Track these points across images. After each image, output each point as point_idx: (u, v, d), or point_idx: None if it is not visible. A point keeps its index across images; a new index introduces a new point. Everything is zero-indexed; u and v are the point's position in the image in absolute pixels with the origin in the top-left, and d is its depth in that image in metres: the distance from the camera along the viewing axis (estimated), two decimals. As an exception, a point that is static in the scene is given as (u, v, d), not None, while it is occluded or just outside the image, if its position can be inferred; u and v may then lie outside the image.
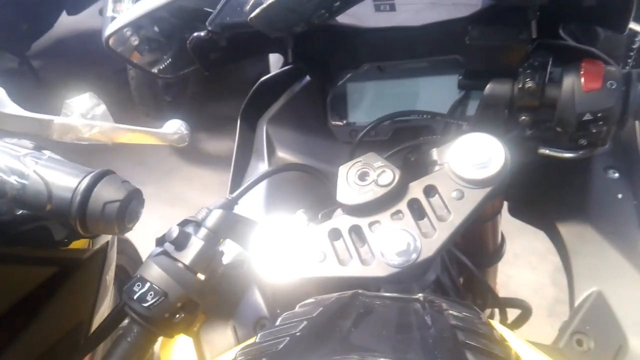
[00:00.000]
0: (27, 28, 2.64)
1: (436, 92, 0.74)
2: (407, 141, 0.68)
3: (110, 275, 0.84)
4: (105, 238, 0.80)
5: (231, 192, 0.81)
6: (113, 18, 2.17)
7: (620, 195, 0.66)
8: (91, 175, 0.53)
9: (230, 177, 0.82)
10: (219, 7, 0.59)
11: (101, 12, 2.28)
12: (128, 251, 1.28)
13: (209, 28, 0.61)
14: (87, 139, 0.62)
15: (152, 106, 2.45)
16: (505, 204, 0.79)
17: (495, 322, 0.46)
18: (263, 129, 0.82)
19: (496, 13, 0.66)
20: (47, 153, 0.57)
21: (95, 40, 0.75)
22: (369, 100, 0.78)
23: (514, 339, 0.43)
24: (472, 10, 0.72)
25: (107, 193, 0.53)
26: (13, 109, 0.65)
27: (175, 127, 0.77)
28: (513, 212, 0.76)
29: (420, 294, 0.46)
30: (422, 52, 0.76)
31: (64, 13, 2.93)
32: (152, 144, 0.77)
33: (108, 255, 0.81)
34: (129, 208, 0.54)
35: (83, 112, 0.62)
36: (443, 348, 0.35)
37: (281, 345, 0.36)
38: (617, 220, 0.64)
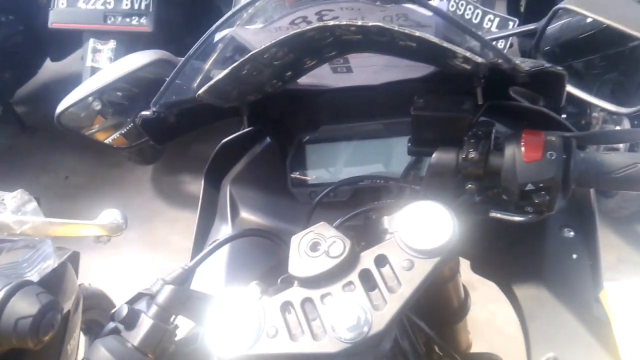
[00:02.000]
0: (10, 76, 2.66)
1: (392, 153, 0.75)
2: (363, 205, 0.69)
3: (74, 340, 0.83)
4: (67, 306, 0.79)
5: (193, 255, 0.81)
6: (93, 68, 2.20)
7: (575, 256, 0.66)
8: (4, 289, 0.53)
9: (193, 240, 0.82)
10: (162, 89, 0.60)
11: (82, 58, 2.32)
12: (102, 304, 1.27)
13: (153, 109, 0.62)
14: (19, 234, 0.63)
15: (134, 150, 2.46)
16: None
17: None
18: (226, 189, 0.83)
19: (446, 76, 0.68)
20: None
21: (78, 84, 0.76)
22: (328, 161, 0.79)
23: None
24: (424, 72, 0.74)
25: (20, 308, 0.53)
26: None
27: (111, 217, 0.78)
28: (474, 269, 0.76)
29: None
30: (378, 112, 0.77)
31: (48, 60, 2.96)
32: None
33: (69, 326, 0.80)
34: (42, 322, 0.54)
35: (14, 209, 0.62)
36: None
37: None
38: (571, 283, 0.65)
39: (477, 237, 0.63)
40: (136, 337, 0.54)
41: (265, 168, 0.81)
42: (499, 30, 1.85)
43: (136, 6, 1.99)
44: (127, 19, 1.97)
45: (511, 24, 1.92)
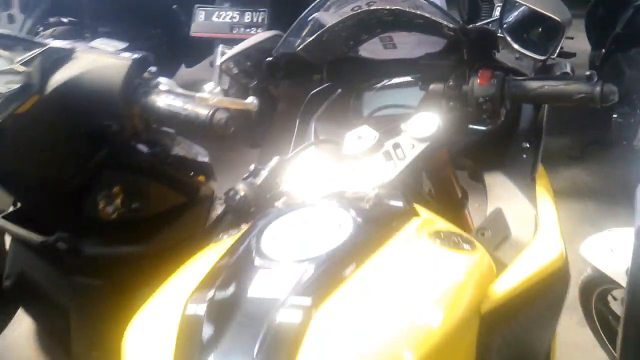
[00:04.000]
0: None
1: (413, 95, 1.17)
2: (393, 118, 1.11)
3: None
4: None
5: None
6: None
7: (525, 156, 1.04)
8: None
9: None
10: (279, 43, 1.07)
11: (211, 64, 2.93)
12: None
13: (274, 55, 1.09)
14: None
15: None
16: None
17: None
18: (312, 125, 1.28)
19: (449, 46, 1.09)
20: None
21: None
22: (377, 103, 1.22)
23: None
24: (441, 46, 1.15)
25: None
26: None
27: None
28: (470, 175, 1.15)
29: None
30: (409, 72, 1.19)
31: (183, 66, 3.66)
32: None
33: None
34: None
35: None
36: None
37: None
38: (520, 171, 1.03)
39: (465, 146, 1.04)
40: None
41: (338, 110, 1.25)
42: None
43: (255, 20, 2.57)
44: (248, 29, 2.54)
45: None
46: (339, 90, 1.25)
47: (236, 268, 0.67)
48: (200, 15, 2.63)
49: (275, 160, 1.04)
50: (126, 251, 1.00)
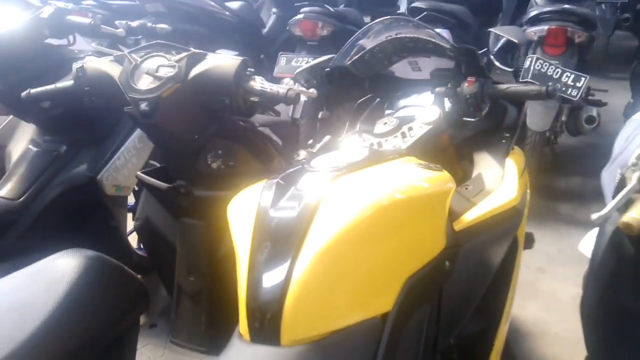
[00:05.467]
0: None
1: (426, 98, 1.62)
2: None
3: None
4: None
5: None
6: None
7: (504, 141, 1.47)
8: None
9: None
10: (334, 58, 1.57)
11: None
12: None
13: (329, 67, 1.59)
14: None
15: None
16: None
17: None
18: (358, 126, 1.76)
19: (457, 68, 1.56)
20: None
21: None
22: (401, 104, 1.68)
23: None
24: (446, 64, 1.61)
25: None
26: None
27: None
28: (458, 148, 1.58)
29: None
30: (426, 85, 1.65)
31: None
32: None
33: None
34: None
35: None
36: None
37: None
38: (498, 151, 1.45)
39: (464, 138, 1.49)
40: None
41: (376, 113, 1.72)
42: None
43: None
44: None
45: (582, 79, 2.64)
46: (378, 99, 1.73)
47: (294, 173, 1.14)
48: (282, 60, 3.24)
49: (327, 137, 1.53)
50: (221, 195, 1.47)
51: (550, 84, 1.33)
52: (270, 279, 0.93)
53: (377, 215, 0.98)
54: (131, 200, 2.31)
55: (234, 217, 1.08)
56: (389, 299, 0.99)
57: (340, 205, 0.98)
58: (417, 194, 1.06)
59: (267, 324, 0.91)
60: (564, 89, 2.68)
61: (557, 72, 2.65)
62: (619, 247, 1.49)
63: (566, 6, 2.77)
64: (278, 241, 0.96)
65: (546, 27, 2.70)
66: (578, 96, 2.65)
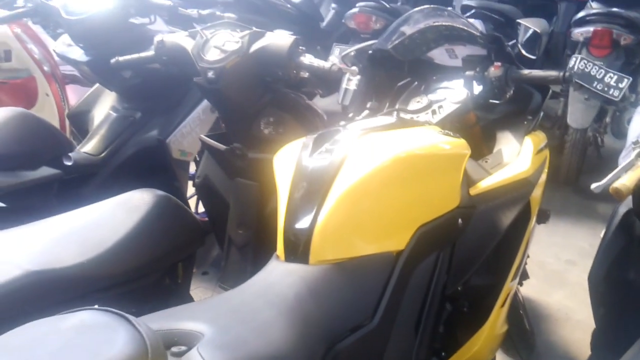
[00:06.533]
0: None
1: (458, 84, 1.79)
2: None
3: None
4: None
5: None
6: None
7: (525, 122, 1.63)
8: None
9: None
10: (377, 42, 1.76)
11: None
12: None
13: (372, 49, 1.78)
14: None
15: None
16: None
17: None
18: (395, 106, 1.95)
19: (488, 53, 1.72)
20: None
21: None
22: (435, 87, 1.85)
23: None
24: (477, 51, 1.78)
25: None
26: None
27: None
28: (484, 128, 1.74)
29: None
30: (459, 70, 1.82)
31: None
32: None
33: None
34: None
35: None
36: None
37: None
38: (520, 131, 1.61)
39: (493, 120, 1.66)
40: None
41: (413, 95, 1.91)
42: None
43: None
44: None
45: (625, 80, 2.72)
46: (415, 83, 1.91)
47: (330, 131, 1.34)
48: (336, 50, 3.46)
49: (366, 112, 1.73)
50: (270, 158, 1.69)
51: (567, 69, 1.48)
52: (304, 211, 1.15)
53: (396, 165, 1.18)
54: (192, 170, 2.58)
55: (279, 164, 1.30)
56: (403, 239, 1.18)
57: (365, 156, 1.18)
58: (434, 152, 1.26)
59: (299, 247, 1.12)
60: (606, 89, 2.76)
61: (600, 72, 2.73)
62: (629, 228, 1.63)
63: (614, 9, 2.84)
64: (312, 183, 1.18)
65: (591, 29, 2.79)
66: (620, 96, 2.72)
